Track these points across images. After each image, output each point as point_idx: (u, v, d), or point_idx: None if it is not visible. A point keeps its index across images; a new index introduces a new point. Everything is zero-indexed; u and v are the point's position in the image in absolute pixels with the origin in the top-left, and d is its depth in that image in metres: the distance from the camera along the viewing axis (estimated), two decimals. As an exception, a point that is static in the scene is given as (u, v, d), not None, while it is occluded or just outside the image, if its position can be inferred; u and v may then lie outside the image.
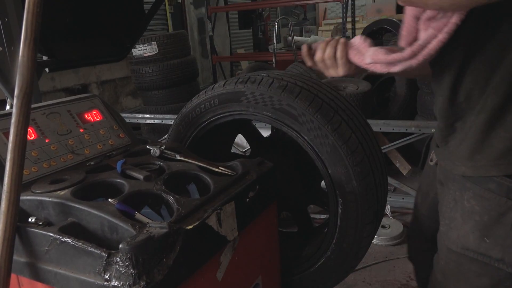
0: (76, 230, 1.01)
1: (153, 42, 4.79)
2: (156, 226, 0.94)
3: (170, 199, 1.09)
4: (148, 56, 4.86)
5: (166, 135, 3.93)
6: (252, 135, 1.96)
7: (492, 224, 0.93)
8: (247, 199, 1.23)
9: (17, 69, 1.05)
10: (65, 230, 0.98)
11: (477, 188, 0.94)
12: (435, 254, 1.13)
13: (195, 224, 1.01)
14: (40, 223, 1.05)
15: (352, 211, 1.40)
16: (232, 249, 1.18)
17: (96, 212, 0.99)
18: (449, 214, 1.02)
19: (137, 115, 4.53)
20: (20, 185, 1.01)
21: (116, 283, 0.88)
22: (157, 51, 4.82)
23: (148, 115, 4.43)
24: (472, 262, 0.98)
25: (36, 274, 1.02)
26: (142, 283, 0.87)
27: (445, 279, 1.06)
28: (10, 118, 1.28)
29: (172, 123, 4.46)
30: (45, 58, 2.06)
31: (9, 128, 1.25)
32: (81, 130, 1.43)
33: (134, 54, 4.95)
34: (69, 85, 6.01)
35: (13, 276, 1.03)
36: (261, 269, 1.37)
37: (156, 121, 4.31)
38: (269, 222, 1.40)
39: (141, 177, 1.17)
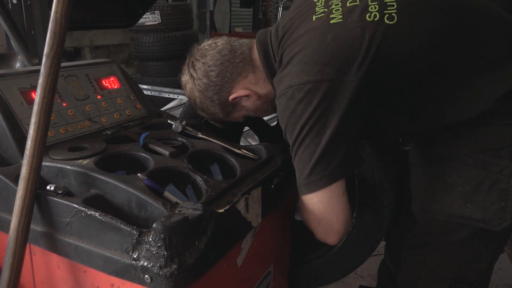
0: (100, 203, 0.96)
1: (156, 11, 4.64)
2: (189, 207, 0.89)
3: (198, 179, 1.05)
4: (150, 25, 4.71)
5: (166, 106, 3.85)
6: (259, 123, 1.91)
7: (472, 192, 1.08)
8: (272, 186, 1.19)
9: (49, 25, 0.97)
10: (89, 202, 0.93)
11: (458, 164, 1.09)
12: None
13: (226, 208, 0.96)
14: (60, 192, 0.99)
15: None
16: (253, 235, 1.15)
17: (124, 187, 0.94)
18: (430, 190, 1.17)
19: (133, 84, 4.41)
20: (43, 151, 0.95)
21: (145, 263, 0.83)
22: (160, 21, 4.68)
23: (145, 86, 4.32)
24: (453, 223, 1.13)
25: (53, 245, 0.96)
26: (174, 266, 0.82)
27: (427, 237, 1.21)
28: (27, 77, 1.22)
29: (169, 96, 4.30)
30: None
31: (26, 87, 1.19)
32: (98, 97, 1.36)
33: (135, 22, 4.79)
34: (62, 46, 5.79)
35: (26, 245, 0.98)
36: (274, 257, 1.35)
37: (153, 93, 4.21)
38: (286, 211, 1.37)
39: (166, 153, 1.12)
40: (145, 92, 4.25)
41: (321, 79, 0.99)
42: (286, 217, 1.40)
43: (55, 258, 0.99)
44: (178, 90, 4.14)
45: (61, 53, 0.96)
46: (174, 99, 4.10)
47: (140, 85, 4.57)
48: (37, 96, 0.94)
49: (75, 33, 5.94)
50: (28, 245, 1.02)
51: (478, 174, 1.07)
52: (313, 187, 1.05)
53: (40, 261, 1.02)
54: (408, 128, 1.16)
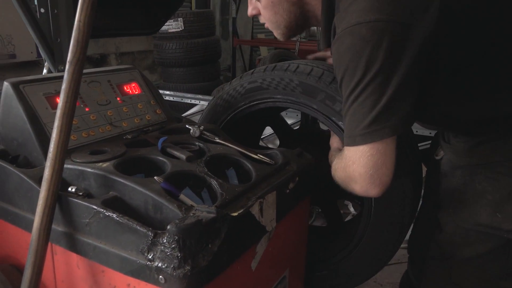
0: (118, 204, 0.99)
1: (179, 19, 4.73)
2: (204, 210, 0.91)
3: (213, 183, 1.07)
4: (173, 32, 4.80)
5: (188, 112, 3.91)
6: (280, 127, 1.93)
7: (503, 201, 1.04)
8: (287, 191, 1.20)
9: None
10: (107, 204, 0.96)
11: (488, 172, 1.06)
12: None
13: (240, 212, 0.98)
14: (80, 193, 1.03)
15: None
16: (268, 239, 1.16)
17: (141, 189, 0.97)
18: (458, 196, 1.13)
19: (157, 90, 4.50)
20: (65, 154, 0.99)
21: (160, 264, 0.85)
22: (182, 28, 4.76)
23: (168, 92, 4.39)
24: (481, 233, 1.09)
25: (73, 245, 1.00)
26: (187, 267, 0.84)
27: (453, 247, 1.17)
28: (52, 83, 1.27)
29: (191, 102, 4.36)
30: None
31: (51, 93, 1.24)
32: (120, 102, 1.40)
33: (158, 29, 4.89)
34: (88, 53, 5.92)
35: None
36: (289, 262, 1.35)
37: (175, 99, 4.27)
38: (301, 215, 1.38)
39: (183, 157, 1.15)
40: (167, 97, 4.35)
41: (394, 20, 0.91)
42: (302, 221, 1.41)
43: (75, 258, 1.02)
44: (200, 96, 4.19)
45: (84, 60, 1.00)
46: (196, 104, 4.16)
47: (163, 91, 4.66)
48: (60, 101, 0.98)
49: (101, 40, 6.10)
50: (50, 244, 1.06)
51: (509, 183, 1.04)
52: (372, 138, 0.96)
53: (61, 260, 1.06)
54: (453, 112, 1.10)
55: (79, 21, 0.99)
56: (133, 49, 6.79)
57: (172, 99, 4.34)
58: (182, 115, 3.88)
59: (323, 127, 1.87)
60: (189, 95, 4.19)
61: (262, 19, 1.25)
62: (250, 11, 1.24)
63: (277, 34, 1.26)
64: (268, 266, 1.20)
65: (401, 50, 0.92)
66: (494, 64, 1.02)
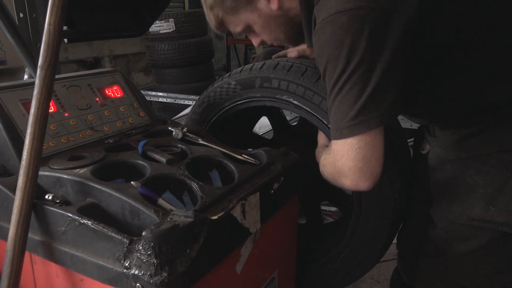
0: (95, 211, 0.96)
1: (170, 19, 4.69)
2: (181, 215, 0.89)
3: (194, 185, 1.04)
4: (165, 33, 4.77)
5: (180, 114, 3.89)
6: (256, 142, 1.92)
7: (495, 194, 1.03)
8: (272, 191, 1.18)
9: (42, 37, 0.99)
10: (84, 211, 0.94)
11: (479, 165, 1.04)
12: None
13: (220, 215, 0.96)
14: (57, 201, 1.01)
15: None
16: (253, 241, 1.13)
17: (117, 195, 0.94)
18: (449, 191, 1.11)
19: (150, 92, 4.48)
20: (39, 161, 0.96)
21: (136, 272, 0.83)
22: (174, 29, 4.73)
23: (161, 93, 4.37)
24: (475, 227, 1.07)
25: (50, 254, 0.98)
26: (164, 274, 0.82)
27: (448, 243, 1.15)
28: (29, 88, 1.24)
29: (184, 103, 4.35)
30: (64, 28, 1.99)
31: (28, 99, 1.21)
32: (101, 106, 1.37)
33: (150, 30, 4.85)
34: (82, 57, 5.93)
35: (26, 254, 0.99)
36: (278, 263, 1.33)
37: (168, 100, 4.25)
38: (289, 216, 1.35)
39: (163, 160, 1.12)
40: (160, 99, 4.33)
41: (375, 6, 0.88)
42: (291, 221, 1.38)
43: (53, 267, 1.00)
44: (192, 97, 4.17)
45: (55, 65, 0.98)
46: (189, 105, 4.14)
47: (156, 92, 4.62)
48: (32, 107, 0.96)
49: (94, 44, 6.07)
50: (29, 254, 1.04)
51: (501, 175, 1.02)
52: (358, 130, 0.93)
53: (41, 270, 1.04)
54: (440, 102, 1.08)
55: (49, 24, 0.97)
56: (127, 52, 6.75)
57: (166, 101, 4.32)
58: (175, 117, 3.87)
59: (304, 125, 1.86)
60: (182, 96, 4.17)
61: (269, 42, 1.27)
62: (256, 42, 1.26)
63: (288, 45, 1.28)
64: (254, 268, 1.18)
65: (384, 37, 0.90)
66: (478, 51, 1.00)
